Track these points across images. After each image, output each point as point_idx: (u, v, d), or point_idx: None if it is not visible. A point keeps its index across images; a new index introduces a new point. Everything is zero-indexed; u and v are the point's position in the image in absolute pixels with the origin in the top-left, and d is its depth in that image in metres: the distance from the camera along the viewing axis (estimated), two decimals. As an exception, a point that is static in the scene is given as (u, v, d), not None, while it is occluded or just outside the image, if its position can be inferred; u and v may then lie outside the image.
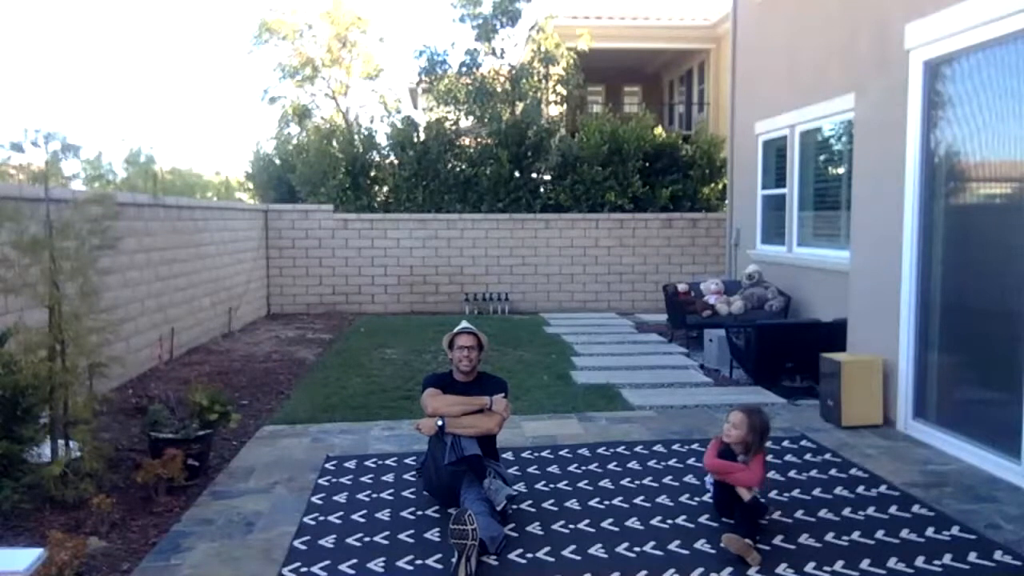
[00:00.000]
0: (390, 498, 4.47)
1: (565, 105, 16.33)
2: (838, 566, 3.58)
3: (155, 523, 4.15)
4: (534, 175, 14.16)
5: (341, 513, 4.24)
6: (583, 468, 4.95)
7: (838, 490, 4.56)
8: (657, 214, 13.63)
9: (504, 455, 5.01)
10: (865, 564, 3.60)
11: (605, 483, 4.69)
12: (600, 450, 5.34)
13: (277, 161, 18.56)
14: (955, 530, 3.98)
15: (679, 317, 9.62)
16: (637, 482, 4.71)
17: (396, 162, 14.31)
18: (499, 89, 14.96)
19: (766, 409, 6.36)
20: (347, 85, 22.30)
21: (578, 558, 3.68)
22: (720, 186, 14.28)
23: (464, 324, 4.68)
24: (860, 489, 4.58)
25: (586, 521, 4.11)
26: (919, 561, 3.62)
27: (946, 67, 5.38)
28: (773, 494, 4.47)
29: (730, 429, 4.13)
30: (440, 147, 13.93)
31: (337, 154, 14.26)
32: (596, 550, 3.76)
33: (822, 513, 4.20)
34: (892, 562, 3.61)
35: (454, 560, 3.53)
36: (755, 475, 4.04)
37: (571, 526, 4.05)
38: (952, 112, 5.35)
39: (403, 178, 14.01)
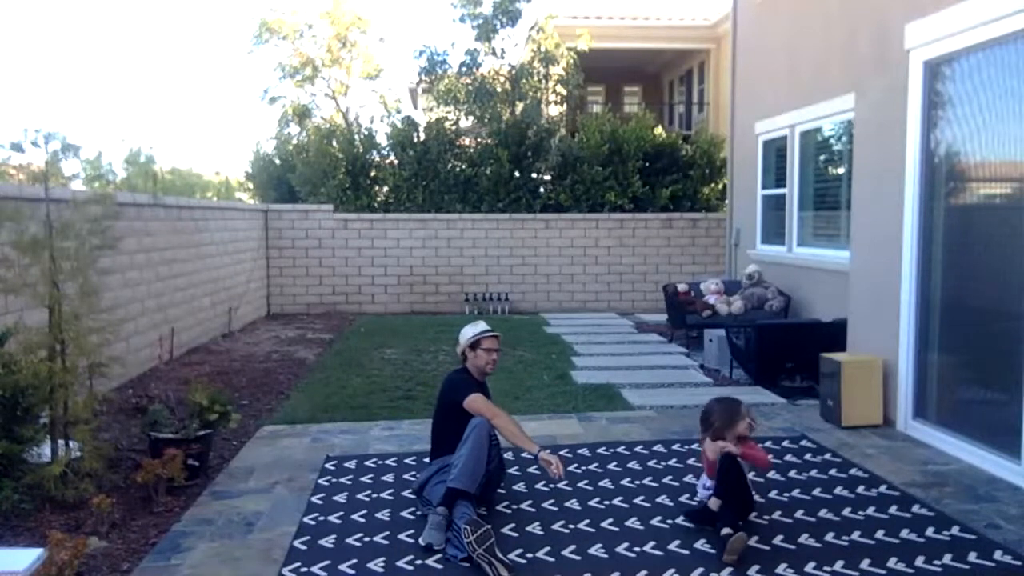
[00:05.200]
0: (390, 498, 4.47)
1: (565, 105, 16.31)
2: (838, 566, 3.58)
3: (155, 523, 4.15)
4: (534, 175, 14.15)
5: (341, 513, 4.24)
6: (583, 468, 4.95)
7: (838, 490, 4.56)
8: (657, 214, 13.63)
9: (505, 455, 5.00)
10: (865, 564, 3.60)
11: (605, 483, 4.69)
12: (600, 450, 5.34)
13: (277, 161, 18.56)
14: (955, 530, 3.98)
15: (679, 317, 9.62)
16: (637, 482, 4.71)
17: (396, 162, 14.30)
18: (499, 89, 14.95)
19: (766, 409, 6.44)
20: (347, 85, 22.31)
21: (578, 558, 3.68)
22: (720, 186, 14.28)
23: (485, 325, 4.54)
24: (860, 489, 4.58)
25: (586, 521, 4.11)
26: (919, 561, 3.62)
27: (946, 67, 5.38)
28: (773, 494, 4.48)
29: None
30: (440, 147, 13.93)
31: (337, 154, 14.26)
32: (596, 550, 3.76)
33: (822, 513, 4.20)
34: (892, 562, 3.61)
35: (454, 559, 3.54)
36: (764, 454, 4.26)
37: (571, 526, 4.05)
38: (952, 112, 5.35)
39: (403, 178, 14.01)
